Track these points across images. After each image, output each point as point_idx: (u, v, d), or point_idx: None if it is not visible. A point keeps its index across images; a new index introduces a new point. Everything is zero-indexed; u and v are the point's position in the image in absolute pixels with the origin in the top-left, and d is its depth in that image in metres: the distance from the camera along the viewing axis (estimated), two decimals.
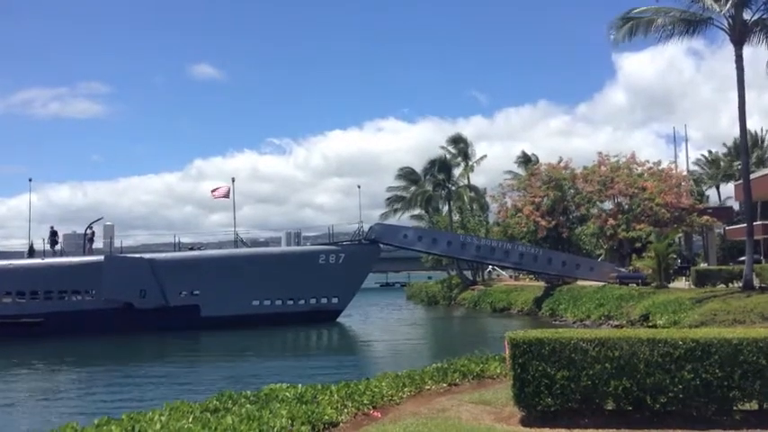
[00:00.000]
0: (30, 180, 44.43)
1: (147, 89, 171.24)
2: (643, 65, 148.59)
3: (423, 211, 60.13)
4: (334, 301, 40.52)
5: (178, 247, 41.50)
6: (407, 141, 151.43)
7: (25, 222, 41.56)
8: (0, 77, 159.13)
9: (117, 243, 41.34)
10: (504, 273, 60.01)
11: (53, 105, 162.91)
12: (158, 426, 6.78)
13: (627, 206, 42.73)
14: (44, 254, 38.82)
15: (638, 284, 34.60)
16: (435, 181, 57.47)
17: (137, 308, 36.45)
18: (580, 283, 40.07)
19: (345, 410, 8.61)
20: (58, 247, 39.31)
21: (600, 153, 46.10)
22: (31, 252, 39.63)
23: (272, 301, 39.27)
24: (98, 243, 41.05)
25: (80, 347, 30.33)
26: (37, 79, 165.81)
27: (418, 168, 59.01)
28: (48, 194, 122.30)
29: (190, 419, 7.15)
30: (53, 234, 39.63)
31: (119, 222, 55.50)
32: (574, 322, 32.44)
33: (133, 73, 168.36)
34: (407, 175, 59.29)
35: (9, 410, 17.23)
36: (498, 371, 11.89)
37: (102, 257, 37.68)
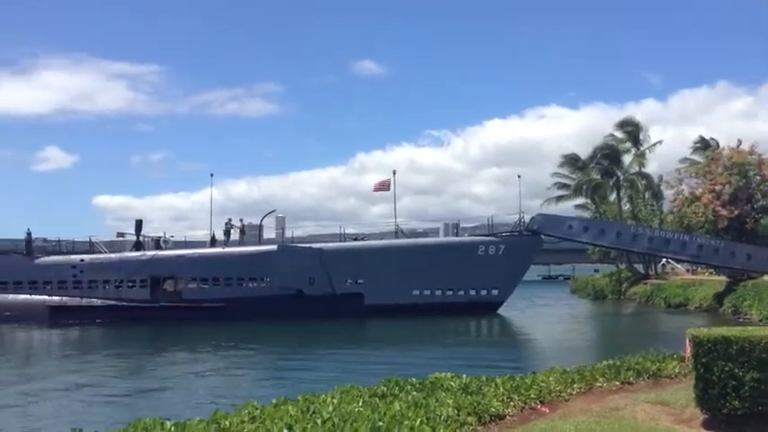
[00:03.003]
0: (211, 176, 48.76)
1: (315, 88, 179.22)
2: None
3: (588, 201, 57.55)
4: (495, 292, 40.08)
5: (343, 237, 43.13)
6: (571, 128, 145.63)
7: (207, 215, 45.48)
8: (185, 80, 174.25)
9: (288, 233, 43.87)
10: (679, 266, 56.07)
11: (231, 105, 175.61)
12: (331, 408, 7.02)
13: None
14: (225, 243, 42.01)
15: None
16: (602, 168, 54.67)
17: (306, 295, 38.39)
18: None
19: (512, 403, 8.43)
20: (233, 237, 42.28)
21: None
22: (213, 242, 42.96)
23: (432, 291, 39.63)
24: (270, 233, 43.75)
25: (256, 331, 32.52)
26: (217, 81, 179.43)
27: (583, 156, 56.50)
28: (227, 189, 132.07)
29: (359, 403, 7.34)
30: (229, 225, 42.70)
31: (288, 214, 58.82)
32: (760, 320, 29.71)
33: (304, 73, 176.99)
34: (572, 161, 56.72)
35: (193, 387, 18.80)
36: (677, 370, 11.13)
37: (275, 247, 40.07)
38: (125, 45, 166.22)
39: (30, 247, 42.35)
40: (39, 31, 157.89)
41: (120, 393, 18.04)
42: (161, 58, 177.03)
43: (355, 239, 43.39)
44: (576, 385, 9.90)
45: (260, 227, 43.32)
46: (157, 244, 42.98)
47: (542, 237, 41.07)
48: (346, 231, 44.09)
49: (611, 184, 55.62)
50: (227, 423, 6.58)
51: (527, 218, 40.91)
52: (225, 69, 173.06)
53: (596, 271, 73.65)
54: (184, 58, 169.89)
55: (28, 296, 40.23)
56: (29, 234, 42.90)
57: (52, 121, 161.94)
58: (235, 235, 42.27)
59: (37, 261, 41.40)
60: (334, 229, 46.31)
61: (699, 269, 50.52)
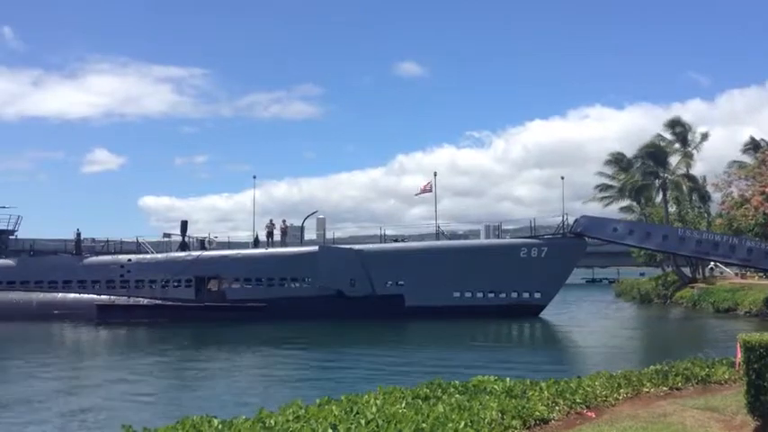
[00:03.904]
0: (254, 177, 48.68)
1: (356, 89, 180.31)
2: None
3: (633, 203, 56.43)
4: (537, 295, 39.64)
5: (383, 238, 43.20)
6: (615, 129, 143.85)
7: (249, 215, 46.23)
8: (229, 83, 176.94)
9: (328, 234, 44.18)
10: (727, 270, 54.61)
11: (274, 108, 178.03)
12: (374, 409, 7.03)
13: None
14: (266, 244, 42.49)
15: None
16: (648, 169, 53.54)
17: (347, 296, 38.56)
18: None
19: (557, 408, 8.32)
20: (276, 238, 42.72)
21: None
22: (256, 242, 43.49)
23: (473, 293, 39.40)
24: (311, 234, 44.11)
25: (298, 331, 32.80)
26: (260, 84, 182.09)
27: (628, 157, 55.32)
28: (269, 190, 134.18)
29: (403, 404, 7.35)
30: (270, 227, 43.14)
31: (329, 215, 59.29)
32: None
33: (344, 75, 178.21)
34: (617, 161, 55.66)
35: (237, 386, 19.04)
36: (726, 376, 10.83)
37: (316, 248, 40.36)
38: (170, 49, 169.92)
39: (79, 246, 43.50)
40: (86, 35, 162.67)
41: (166, 391, 18.40)
42: (205, 61, 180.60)
43: (396, 241, 43.40)
44: (622, 390, 9.72)
45: (301, 228, 43.71)
46: (202, 244, 43.72)
47: (586, 239, 40.47)
48: (386, 233, 44.19)
49: (656, 185, 54.45)
50: (273, 422, 6.65)
51: (570, 220, 40.37)
52: (267, 72, 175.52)
53: (642, 275, 72.27)
54: (228, 61, 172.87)
55: (77, 295, 41.32)
56: (78, 234, 44.06)
57: (100, 124, 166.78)
58: (277, 236, 42.72)
59: (86, 261, 42.49)
60: (374, 231, 46.50)
61: (748, 273, 49.16)
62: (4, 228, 46.45)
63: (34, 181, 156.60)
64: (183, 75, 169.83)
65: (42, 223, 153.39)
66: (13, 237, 46.83)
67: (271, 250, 41.34)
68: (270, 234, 42.70)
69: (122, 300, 40.71)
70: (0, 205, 46.78)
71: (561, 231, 40.38)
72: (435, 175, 44.73)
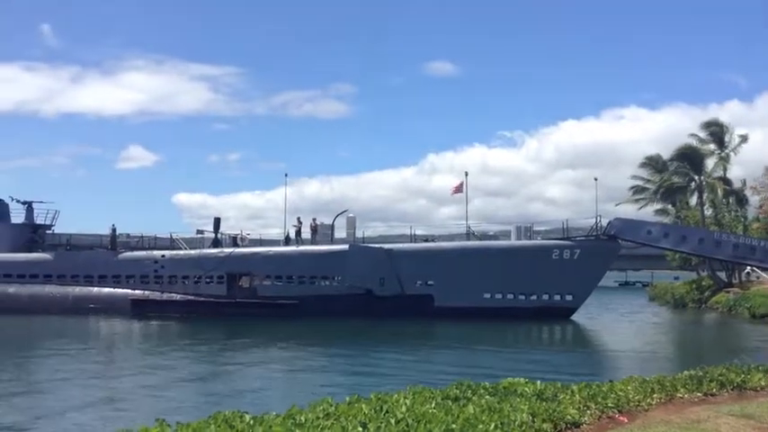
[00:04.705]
0: (286, 175, 49.04)
1: (388, 88, 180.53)
2: None
3: (668, 205, 55.51)
4: (569, 298, 39.23)
5: (413, 238, 43.15)
6: (650, 130, 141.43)
7: (281, 213, 46.26)
8: (263, 81, 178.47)
9: (359, 233, 44.30)
10: (765, 275, 53.40)
11: (307, 106, 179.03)
12: (404, 408, 7.02)
13: None
14: (295, 242, 42.80)
15: None
16: (683, 171, 52.61)
17: (376, 295, 38.62)
18: None
19: (588, 412, 8.22)
20: (305, 236, 42.97)
21: None
22: (287, 240, 43.81)
23: (504, 294, 39.13)
24: (341, 233, 44.25)
25: (327, 328, 33.01)
26: (293, 82, 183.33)
27: (664, 158, 54.41)
28: (300, 188, 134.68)
29: (432, 405, 7.32)
30: (298, 225, 43.45)
31: (360, 214, 59.40)
32: None
33: (377, 74, 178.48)
34: (654, 163, 54.74)
35: (267, 382, 19.22)
36: (763, 383, 10.59)
37: (346, 246, 40.51)
38: (206, 48, 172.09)
39: (114, 242, 44.33)
40: (123, 33, 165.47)
41: (198, 385, 18.68)
42: (240, 60, 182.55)
43: (425, 241, 43.33)
44: (655, 395, 9.57)
45: (332, 226, 43.89)
46: (234, 241, 44.16)
47: (620, 242, 39.93)
48: (416, 232, 44.16)
49: (692, 187, 53.46)
50: (303, 419, 6.69)
51: (604, 222, 39.85)
52: (301, 71, 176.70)
53: (676, 278, 71.12)
54: (263, 60, 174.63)
55: (112, 289, 42.11)
56: (113, 230, 44.91)
57: (137, 121, 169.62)
58: (306, 234, 42.96)
59: (121, 256, 43.27)
60: (404, 230, 46.48)
61: None
62: (42, 222, 47.57)
63: (71, 176, 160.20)
64: (218, 73, 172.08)
65: (78, 218, 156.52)
66: (51, 231, 47.95)
67: (301, 248, 41.61)
68: (298, 232, 43.00)
69: (156, 295, 41.36)
70: (38, 200, 47.99)
71: (594, 233, 39.88)
72: (466, 175, 44.59)
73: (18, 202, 47.74)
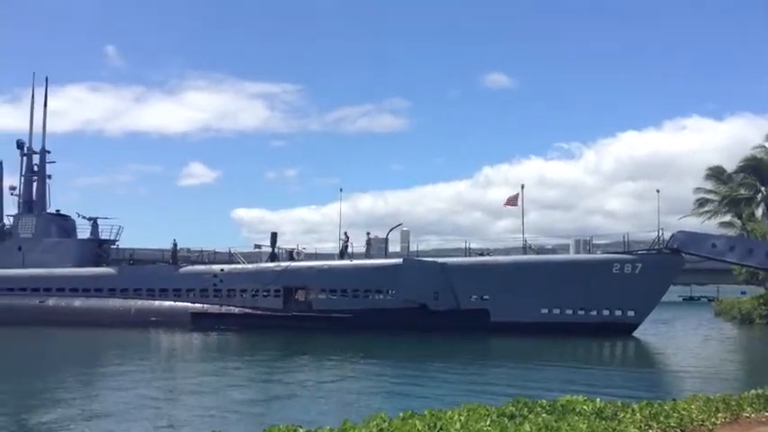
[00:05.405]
0: (340, 190, 49.74)
1: (444, 102, 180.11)
2: None
3: (733, 218, 53.55)
4: (630, 313, 38.11)
5: (468, 252, 42.79)
6: (714, 141, 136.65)
7: (335, 227, 46.60)
8: (321, 98, 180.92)
9: (413, 247, 44.22)
10: None
11: (361, 121, 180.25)
12: (458, 425, 6.93)
13: None
14: (341, 257, 43.04)
15: None
16: (749, 183, 50.72)
17: (431, 309, 38.39)
18: None
19: (650, 431, 7.95)
20: (359, 250, 43.17)
21: None
22: (342, 254, 44.08)
23: (562, 310, 38.30)
24: (395, 247, 44.28)
25: (381, 342, 32.98)
26: (348, 98, 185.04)
27: (729, 170, 52.66)
28: (355, 203, 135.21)
29: (487, 422, 7.19)
30: (345, 240, 43.74)
31: (413, 228, 59.34)
32: None
33: (432, 88, 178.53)
34: (716, 175, 53.03)
35: (321, 395, 19.27)
36: None
37: (401, 260, 40.47)
38: (263, 66, 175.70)
39: (175, 256, 45.47)
40: (184, 54, 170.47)
41: (254, 397, 18.87)
42: (297, 77, 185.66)
43: (481, 254, 42.91)
44: (720, 414, 9.18)
45: (386, 240, 43.95)
46: (290, 255, 44.71)
47: (683, 256, 38.69)
48: (471, 246, 43.80)
49: (758, 199, 51.46)
50: None
51: (666, 235, 38.66)
52: (356, 87, 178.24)
53: (743, 293, 68.34)
54: (319, 77, 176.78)
55: (173, 303, 43.11)
56: (174, 244, 46.08)
57: (197, 139, 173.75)
58: (360, 248, 43.14)
59: (181, 270, 44.32)
60: (458, 244, 46.18)
61: None
62: (107, 238, 49.22)
63: (134, 193, 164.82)
64: (275, 90, 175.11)
65: (141, 233, 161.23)
66: (115, 246, 49.53)
67: (356, 262, 41.79)
68: (345, 247, 43.25)
69: (215, 308, 42.15)
70: (103, 216, 49.72)
71: (657, 247, 38.73)
72: (522, 188, 43.98)
73: (84, 218, 49.68)
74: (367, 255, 42.84)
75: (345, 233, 44.37)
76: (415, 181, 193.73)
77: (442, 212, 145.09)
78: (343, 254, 43.72)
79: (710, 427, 8.78)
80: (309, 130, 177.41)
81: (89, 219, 49.38)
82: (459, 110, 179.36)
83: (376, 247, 43.29)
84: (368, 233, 44.55)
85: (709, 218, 53.05)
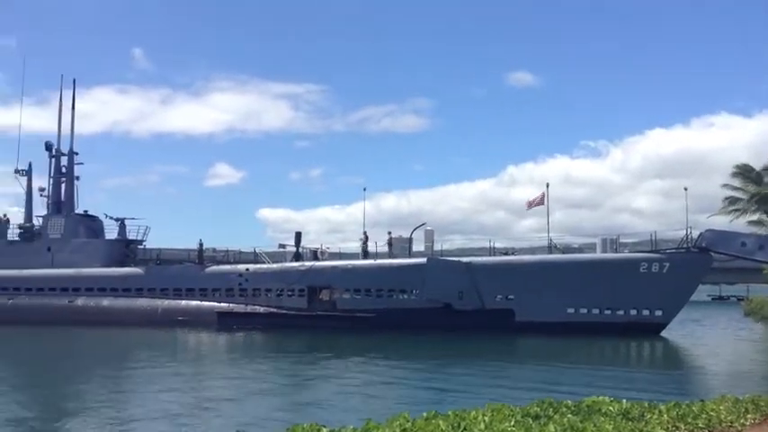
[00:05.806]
0: (364, 190, 49.49)
1: (468, 101, 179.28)
2: None
3: (763, 216, 52.53)
4: (658, 313, 37.61)
5: (492, 251, 42.54)
6: (743, 138, 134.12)
7: (359, 227, 46.62)
8: (343, 98, 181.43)
9: (437, 246, 44.12)
10: None
11: (385, 121, 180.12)
12: (482, 426, 6.89)
13: None
14: (363, 256, 43.04)
15: None
16: None
17: (455, 308, 38.25)
18: None
19: None
20: (381, 249, 43.15)
21: None
22: (365, 254, 44.10)
23: (589, 309, 37.88)
24: (419, 246, 44.21)
25: (405, 342, 32.91)
26: (372, 98, 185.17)
27: (758, 167, 51.65)
28: (378, 202, 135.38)
29: (512, 423, 7.14)
30: (365, 239, 43.75)
31: (437, 227, 59.26)
32: None
33: (456, 87, 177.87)
34: (746, 172, 52.04)
35: (344, 395, 19.30)
36: None
37: (425, 260, 40.39)
38: (287, 67, 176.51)
39: (201, 256, 45.86)
40: (209, 56, 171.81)
41: (277, 397, 18.98)
42: (321, 78, 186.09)
43: (505, 254, 42.63)
44: (749, 415, 9.01)
45: (409, 240, 43.90)
46: (315, 255, 44.86)
47: (712, 254, 38.08)
48: (495, 245, 43.52)
49: None
50: None
51: (695, 233, 38.07)
52: (380, 87, 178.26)
53: None
54: (342, 77, 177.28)
55: (199, 302, 43.49)
56: (201, 244, 46.47)
57: (223, 140, 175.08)
58: (383, 247, 43.10)
59: (207, 270, 44.68)
60: (483, 243, 45.85)
61: None
62: (134, 238, 49.83)
63: (161, 194, 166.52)
64: (299, 91, 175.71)
65: (168, 233, 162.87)
66: (142, 246, 50.10)
67: (379, 261, 41.79)
68: (365, 247, 43.23)
69: (240, 307, 42.44)
70: (130, 217, 50.34)
71: (685, 245, 38.15)
72: (548, 187, 43.60)
73: (111, 218, 50.29)
74: (390, 254, 42.80)
75: (365, 233, 44.48)
76: (438, 180, 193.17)
77: (466, 212, 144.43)
78: (366, 253, 43.75)
79: (739, 428, 8.63)
80: (333, 130, 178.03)
81: (116, 219, 50.02)
82: (483, 109, 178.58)
83: (398, 246, 43.24)
84: (389, 233, 44.58)
85: (738, 216, 52.11)
